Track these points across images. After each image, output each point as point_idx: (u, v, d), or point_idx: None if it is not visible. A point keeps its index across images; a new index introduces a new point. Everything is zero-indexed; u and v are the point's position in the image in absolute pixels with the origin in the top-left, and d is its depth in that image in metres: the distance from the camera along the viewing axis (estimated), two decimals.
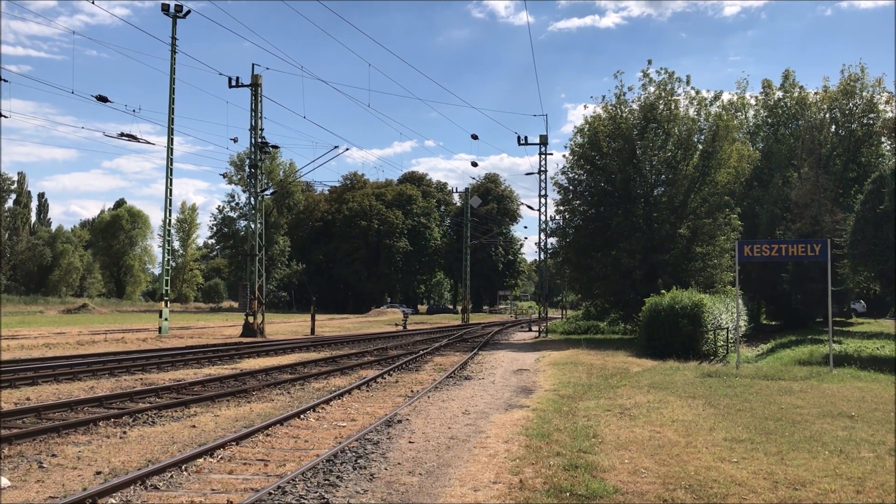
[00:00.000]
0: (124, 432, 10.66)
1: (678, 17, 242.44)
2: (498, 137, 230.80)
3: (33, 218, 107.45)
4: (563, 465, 8.19)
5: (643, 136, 36.28)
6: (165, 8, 32.37)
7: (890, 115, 46.37)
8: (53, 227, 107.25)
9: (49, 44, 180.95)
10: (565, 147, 40.50)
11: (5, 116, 28.13)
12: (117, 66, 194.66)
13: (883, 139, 47.31)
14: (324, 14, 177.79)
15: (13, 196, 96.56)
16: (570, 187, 38.49)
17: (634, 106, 37.27)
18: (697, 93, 37.40)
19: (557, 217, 40.79)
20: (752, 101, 53.76)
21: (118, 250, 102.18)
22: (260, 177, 38.43)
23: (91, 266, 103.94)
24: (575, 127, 39.41)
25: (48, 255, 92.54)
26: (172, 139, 33.61)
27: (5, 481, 7.80)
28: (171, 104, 33.55)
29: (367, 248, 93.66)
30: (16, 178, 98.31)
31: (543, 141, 42.16)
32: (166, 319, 33.53)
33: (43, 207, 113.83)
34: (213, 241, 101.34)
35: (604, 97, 38.13)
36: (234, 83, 35.43)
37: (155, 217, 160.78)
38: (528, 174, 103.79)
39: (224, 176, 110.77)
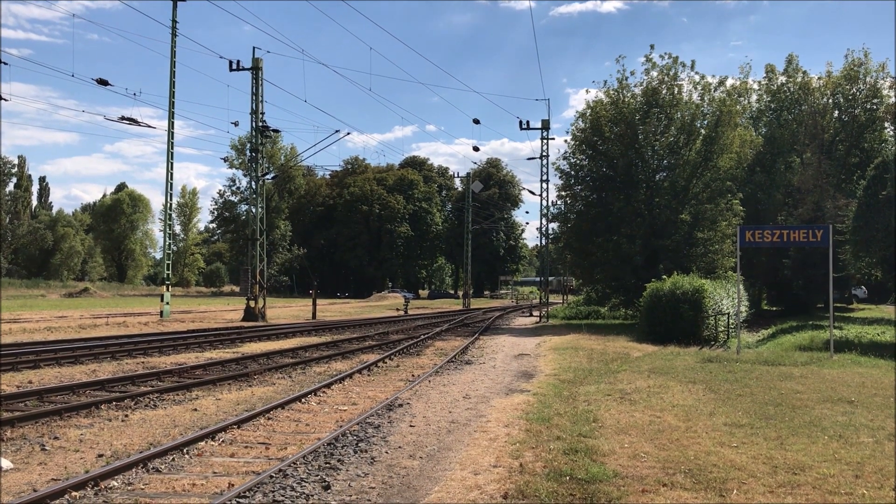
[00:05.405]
0: (126, 415, 10.70)
1: (680, 1, 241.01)
2: (499, 122, 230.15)
3: (34, 202, 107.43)
4: (563, 450, 8.22)
5: (645, 121, 36.09)
6: None
7: (893, 100, 46.10)
8: (54, 211, 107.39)
9: (50, 27, 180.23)
10: (567, 132, 40.19)
11: (5, 100, 28.13)
12: (118, 50, 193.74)
13: (886, 125, 47.04)
14: None
15: (14, 180, 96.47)
16: (572, 172, 38.37)
17: (637, 91, 37.07)
18: (702, 78, 37.23)
19: (559, 202, 40.74)
20: (755, 87, 53.49)
21: (119, 234, 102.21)
22: (261, 161, 38.34)
23: (92, 250, 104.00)
24: (577, 112, 39.28)
25: (49, 238, 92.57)
26: (173, 123, 33.50)
27: (7, 463, 7.84)
28: (171, 88, 33.40)
29: (368, 232, 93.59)
30: (16, 161, 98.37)
31: (545, 126, 41.96)
32: (168, 303, 33.56)
33: (44, 191, 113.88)
34: (214, 225, 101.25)
35: (605, 82, 37.98)
36: (234, 67, 35.22)
37: (156, 201, 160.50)
38: (529, 159, 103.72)
39: (225, 160, 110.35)
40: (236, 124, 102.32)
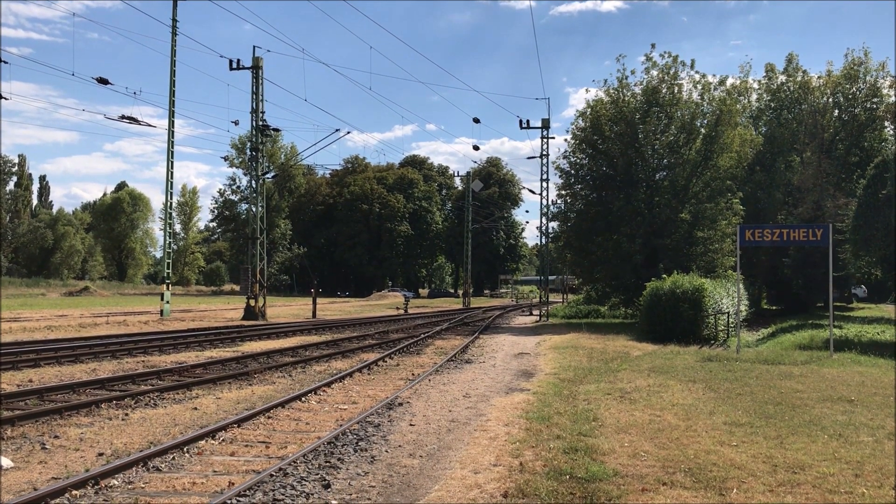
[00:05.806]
0: (126, 414, 10.71)
1: (679, 1, 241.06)
2: (499, 121, 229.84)
3: (34, 200, 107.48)
4: (563, 448, 8.22)
5: (645, 120, 36.06)
6: None
7: (893, 99, 46.08)
8: (55, 210, 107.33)
9: (50, 26, 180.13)
10: (567, 131, 40.19)
11: (6, 98, 28.14)
12: (118, 49, 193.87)
13: (886, 124, 46.98)
14: None
15: (14, 178, 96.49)
16: (572, 171, 38.34)
17: (637, 90, 37.04)
18: (702, 77, 37.21)
19: (559, 201, 40.73)
20: (755, 86, 53.47)
21: (120, 233, 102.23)
22: (261, 160, 38.33)
23: (93, 249, 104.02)
24: (577, 111, 39.26)
25: (50, 237, 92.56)
26: (173, 122, 33.52)
27: (8, 462, 7.84)
28: (171, 87, 33.40)
29: (368, 231, 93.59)
30: (17, 160, 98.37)
31: (545, 125, 41.94)
32: (168, 302, 33.56)
33: (44, 190, 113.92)
34: (214, 224, 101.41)
35: (605, 81, 37.97)
36: (235, 66, 35.22)
37: (156, 200, 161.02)
38: (529, 158, 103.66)
39: (225, 159, 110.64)
40: (237, 123, 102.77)
